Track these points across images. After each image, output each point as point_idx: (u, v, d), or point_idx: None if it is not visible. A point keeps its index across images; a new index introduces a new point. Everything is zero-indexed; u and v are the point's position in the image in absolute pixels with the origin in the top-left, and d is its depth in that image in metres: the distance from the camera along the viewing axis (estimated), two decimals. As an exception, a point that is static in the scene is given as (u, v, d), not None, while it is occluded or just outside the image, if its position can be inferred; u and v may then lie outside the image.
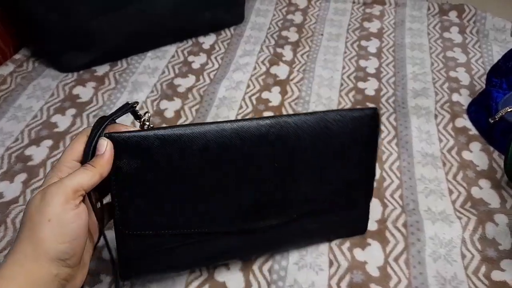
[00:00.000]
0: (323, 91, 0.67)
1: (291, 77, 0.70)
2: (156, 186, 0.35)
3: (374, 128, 0.39)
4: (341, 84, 0.69)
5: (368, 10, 0.86)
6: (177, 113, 0.63)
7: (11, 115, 0.61)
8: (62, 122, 0.61)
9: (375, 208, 0.51)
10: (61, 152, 0.56)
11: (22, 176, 0.54)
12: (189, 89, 0.67)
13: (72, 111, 0.63)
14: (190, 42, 0.77)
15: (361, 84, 0.69)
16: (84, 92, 0.66)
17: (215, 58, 0.74)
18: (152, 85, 0.67)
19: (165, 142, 0.34)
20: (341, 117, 0.38)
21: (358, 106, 0.65)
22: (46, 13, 0.62)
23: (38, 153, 0.57)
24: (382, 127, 0.62)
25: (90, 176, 0.31)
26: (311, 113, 0.37)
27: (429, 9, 0.85)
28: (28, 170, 0.54)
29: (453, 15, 0.83)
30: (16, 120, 0.61)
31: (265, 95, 0.66)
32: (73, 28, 0.64)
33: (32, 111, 0.62)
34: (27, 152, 0.57)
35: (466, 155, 0.58)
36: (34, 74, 0.68)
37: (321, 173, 0.39)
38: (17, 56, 0.70)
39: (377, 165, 0.55)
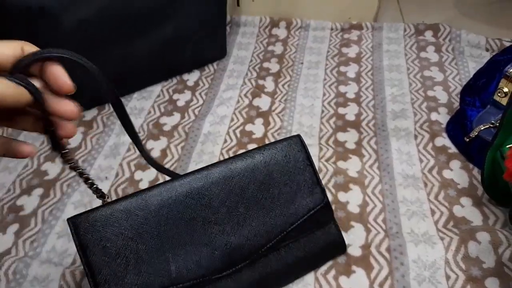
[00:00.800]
0: (304, 119, 0.69)
1: (273, 108, 0.71)
2: (124, 252, 0.37)
3: (304, 150, 0.44)
4: (322, 111, 0.70)
5: (346, 36, 0.88)
6: (163, 152, 0.65)
7: (3, 166, 0.63)
8: (52, 169, 0.63)
9: (358, 233, 0.52)
10: (52, 200, 0.58)
11: (14, 227, 0.55)
12: (175, 127, 0.69)
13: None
14: (175, 80, 0.79)
15: (341, 110, 0.70)
16: (73, 138, 0.68)
17: (199, 94, 0.76)
18: (139, 126, 0.70)
19: (126, 213, 0.38)
20: (267, 156, 0.42)
21: (337, 133, 0.66)
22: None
23: (29, 203, 0.58)
24: (364, 152, 0.63)
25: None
26: (237, 159, 0.42)
27: (405, 30, 0.87)
28: (20, 221, 0.56)
29: (428, 34, 0.86)
30: (8, 171, 0.63)
31: (248, 127, 0.68)
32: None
33: (23, 160, 0.64)
34: (19, 202, 0.58)
35: (446, 174, 0.59)
36: (24, 124, 0.71)
37: (273, 205, 0.42)
38: (8, 108, 0.73)
39: (359, 189, 0.57)
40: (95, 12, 0.64)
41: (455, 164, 0.60)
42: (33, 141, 0.67)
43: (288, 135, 0.66)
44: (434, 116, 0.68)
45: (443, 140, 0.63)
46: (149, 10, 0.69)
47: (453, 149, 0.62)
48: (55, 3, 0.61)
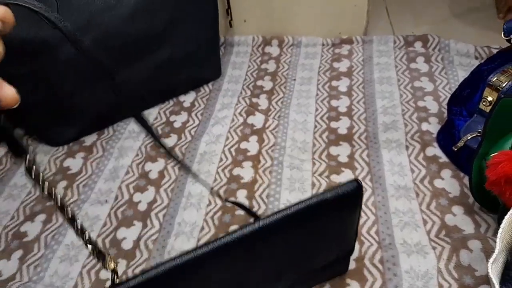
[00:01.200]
0: (297, 135, 0.71)
1: (266, 125, 0.73)
2: None
3: (357, 199, 0.40)
4: (315, 126, 0.72)
5: (337, 51, 0.90)
6: (161, 173, 0.67)
7: (7, 194, 0.66)
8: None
9: (352, 247, 0.53)
10: (55, 225, 0.60)
11: (18, 253, 0.57)
12: (172, 148, 0.71)
13: (63, 183, 0.67)
14: (171, 102, 0.82)
15: (333, 124, 0.72)
16: (74, 164, 0.70)
17: (195, 114, 0.78)
18: (137, 149, 0.72)
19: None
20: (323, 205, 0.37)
21: (332, 150, 0.68)
22: (31, 92, 0.67)
23: (32, 229, 0.60)
24: (356, 164, 0.64)
25: None
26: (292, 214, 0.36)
27: (395, 42, 0.89)
28: (24, 246, 0.58)
29: (418, 45, 0.88)
30: (12, 199, 0.65)
31: (243, 145, 0.70)
32: (58, 104, 0.69)
33: (26, 188, 0.66)
34: (22, 228, 0.60)
35: (438, 183, 0.60)
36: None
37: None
38: (11, 137, 0.76)
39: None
40: (92, 42, 0.66)
41: (446, 173, 0.61)
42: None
43: (282, 152, 0.67)
44: (425, 126, 0.69)
45: (434, 150, 0.64)
46: (144, 37, 0.72)
47: (444, 158, 0.63)
48: (54, 36, 0.64)
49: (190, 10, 0.74)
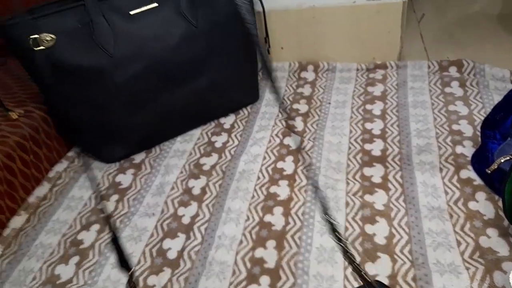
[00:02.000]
0: (332, 156, 0.74)
1: (302, 146, 0.77)
2: None
3: None
4: (349, 148, 0.75)
5: (371, 75, 0.93)
6: (203, 190, 0.71)
7: (66, 206, 0.73)
8: (107, 207, 0.71)
9: (385, 263, 0.55)
10: (107, 235, 0.66)
11: (75, 259, 0.63)
12: (213, 167, 0.76)
13: (115, 197, 0.73)
14: (213, 124, 0.87)
15: (367, 146, 0.75)
16: (125, 179, 0.76)
17: (235, 135, 0.83)
18: (181, 166, 0.77)
19: None
20: None
21: (365, 167, 0.70)
22: (87, 114, 0.75)
23: (88, 237, 0.66)
24: (390, 185, 0.66)
25: None
26: None
27: (429, 67, 0.91)
28: (80, 253, 0.64)
29: (453, 70, 0.89)
30: (70, 210, 0.72)
31: (280, 164, 0.74)
32: (110, 125, 0.76)
33: (82, 200, 0.73)
34: (79, 237, 0.66)
35: (472, 205, 0.61)
36: (83, 168, 0.81)
37: None
38: (69, 154, 0.84)
39: (386, 222, 0.60)
40: (143, 68, 0.73)
41: (481, 195, 0.62)
42: (91, 183, 0.77)
43: (316, 172, 0.70)
44: (459, 149, 0.70)
45: (468, 173, 0.65)
46: (189, 64, 0.78)
47: (478, 181, 0.64)
48: (109, 64, 0.71)
49: (231, 39, 0.81)
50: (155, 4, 0.73)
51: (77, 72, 0.70)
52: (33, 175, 0.76)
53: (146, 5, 0.73)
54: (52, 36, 0.67)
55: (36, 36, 0.66)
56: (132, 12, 0.72)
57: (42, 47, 0.67)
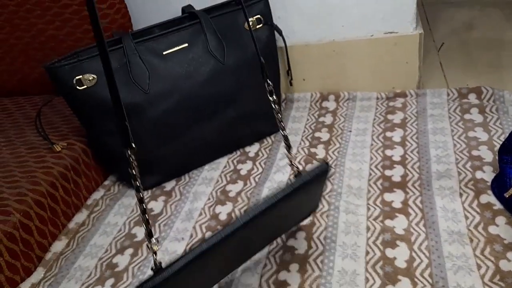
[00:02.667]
0: (353, 182, 0.76)
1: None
2: None
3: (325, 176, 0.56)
4: (370, 174, 0.77)
5: (391, 104, 0.96)
6: (229, 215, 0.75)
7: (102, 231, 0.78)
8: (140, 232, 0.76)
9: (406, 287, 0.56)
10: (140, 258, 0.70)
11: (111, 281, 0.67)
12: (238, 193, 0.80)
13: (147, 222, 0.78)
14: (238, 152, 0.92)
15: (388, 172, 0.77)
16: (156, 206, 0.81)
17: (259, 163, 0.87)
18: (209, 193, 0.82)
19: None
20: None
21: (385, 193, 0.72)
22: (124, 145, 0.81)
23: (122, 261, 0.71)
24: (410, 210, 0.68)
25: None
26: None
27: (448, 94, 0.94)
28: (115, 275, 0.68)
29: (472, 97, 0.91)
30: (106, 235, 0.77)
31: (302, 191, 0.77)
32: (144, 156, 0.82)
33: (117, 226, 0.78)
34: (114, 260, 0.71)
35: (492, 229, 0.61)
36: (119, 195, 0.86)
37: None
38: (106, 182, 0.90)
39: (406, 246, 0.62)
40: (175, 103, 0.80)
41: (501, 220, 0.62)
42: (125, 210, 0.82)
43: (338, 197, 0.73)
44: (479, 174, 0.71)
45: (488, 197, 0.66)
46: (218, 98, 0.84)
47: (498, 205, 0.65)
48: (144, 100, 0.78)
49: (255, 74, 0.86)
50: (186, 44, 0.80)
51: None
52: (73, 203, 0.83)
53: (177, 45, 0.80)
54: (94, 76, 0.75)
55: (79, 76, 0.74)
56: (165, 52, 0.79)
57: (84, 86, 0.74)
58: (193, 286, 0.51)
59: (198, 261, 0.46)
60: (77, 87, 0.74)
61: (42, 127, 0.87)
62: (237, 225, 0.47)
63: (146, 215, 0.46)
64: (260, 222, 0.51)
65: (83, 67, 0.74)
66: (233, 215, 0.75)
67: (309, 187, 0.54)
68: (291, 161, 0.61)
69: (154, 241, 0.47)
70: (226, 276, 0.61)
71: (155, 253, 0.46)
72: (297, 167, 0.58)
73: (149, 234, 0.47)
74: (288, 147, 0.59)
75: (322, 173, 0.54)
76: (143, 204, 0.47)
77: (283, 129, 0.59)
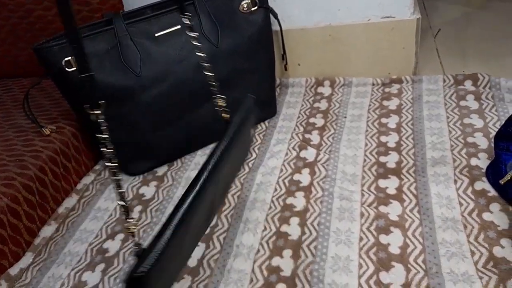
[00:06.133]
0: (347, 168, 0.76)
1: (318, 159, 0.79)
2: None
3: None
4: (364, 160, 0.77)
5: (387, 90, 0.95)
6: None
7: (93, 216, 0.77)
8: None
9: (399, 272, 0.56)
10: (131, 244, 0.69)
11: (101, 266, 0.66)
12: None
13: (138, 207, 0.77)
14: (232, 138, 0.90)
15: (382, 158, 0.76)
16: (148, 191, 0.80)
17: (253, 149, 0.86)
18: (202, 179, 0.80)
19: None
20: None
21: (380, 179, 0.72)
22: (116, 130, 0.79)
23: (113, 246, 0.70)
24: (404, 197, 0.68)
25: None
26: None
27: (444, 81, 0.93)
28: (106, 261, 0.67)
29: (468, 84, 0.90)
30: (96, 220, 0.76)
31: (296, 177, 0.76)
32: (137, 141, 0.81)
33: (108, 211, 0.77)
34: (105, 245, 0.70)
35: (486, 216, 0.61)
36: (109, 180, 0.85)
37: None
38: (96, 167, 0.89)
39: (400, 232, 0.61)
40: (168, 87, 0.78)
41: (495, 206, 0.62)
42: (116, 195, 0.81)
43: (332, 183, 0.72)
44: (474, 161, 0.71)
45: (483, 184, 0.66)
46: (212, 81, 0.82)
47: (493, 192, 0.64)
48: (136, 83, 0.76)
49: (250, 58, 0.84)
50: (178, 26, 0.78)
51: (106, 91, 0.75)
52: (63, 187, 0.81)
53: (170, 27, 0.78)
54: (83, 57, 0.72)
55: (69, 58, 0.72)
56: (157, 34, 0.77)
57: (74, 68, 0.72)
58: (180, 259, 0.50)
59: (178, 231, 0.44)
60: (66, 68, 0.72)
61: (30, 110, 0.84)
62: (201, 181, 0.47)
63: (121, 189, 0.44)
64: (217, 174, 0.50)
65: (72, 48, 0.72)
66: (226, 201, 0.74)
67: (244, 125, 0.57)
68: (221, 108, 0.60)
69: (133, 221, 0.44)
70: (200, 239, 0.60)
71: (132, 234, 0.44)
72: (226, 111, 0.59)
73: (126, 213, 0.44)
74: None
75: (250, 106, 0.56)
76: (115, 176, 0.45)
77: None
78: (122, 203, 0.44)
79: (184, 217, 0.44)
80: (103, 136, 0.43)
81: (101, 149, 0.43)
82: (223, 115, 0.59)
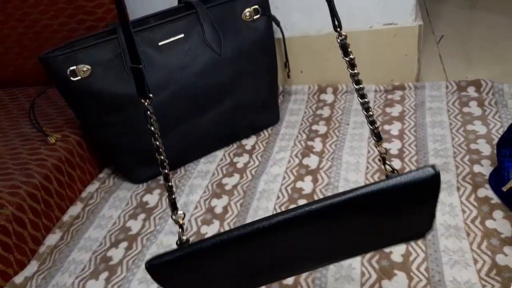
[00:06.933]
0: (350, 175, 0.76)
1: (321, 166, 0.79)
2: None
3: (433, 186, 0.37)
4: (367, 167, 0.77)
5: (389, 96, 0.95)
6: (225, 209, 0.75)
7: (97, 224, 0.77)
8: (135, 226, 0.75)
9: (401, 281, 0.56)
10: (135, 252, 0.69)
11: (105, 274, 0.67)
12: (234, 187, 0.79)
13: (142, 215, 0.77)
14: (235, 145, 0.91)
15: (385, 166, 0.76)
16: (152, 199, 0.81)
17: (256, 156, 0.86)
18: (205, 186, 0.81)
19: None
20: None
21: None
22: (119, 137, 0.80)
23: (116, 254, 0.70)
24: (407, 204, 0.67)
25: None
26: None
27: (447, 87, 0.93)
28: (109, 269, 0.68)
29: (471, 90, 0.90)
30: (100, 228, 0.76)
31: (298, 184, 0.76)
32: (140, 149, 0.81)
33: (112, 219, 0.78)
34: (109, 253, 0.71)
35: (489, 223, 0.61)
36: (114, 188, 0.86)
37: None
38: (101, 175, 0.89)
39: (402, 240, 0.61)
40: (171, 95, 0.79)
41: (498, 214, 0.62)
42: (120, 203, 0.81)
43: (335, 191, 0.73)
44: (477, 168, 0.71)
45: (486, 191, 0.66)
46: (213, 89, 0.83)
47: (496, 199, 0.64)
48: (139, 90, 0.77)
49: (252, 65, 0.85)
50: (182, 35, 0.79)
51: (110, 99, 0.76)
52: (67, 195, 0.82)
53: (173, 36, 0.79)
54: (88, 67, 0.73)
55: (74, 67, 0.73)
56: (160, 43, 0.78)
57: (79, 77, 0.73)
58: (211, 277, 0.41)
59: (231, 246, 0.36)
60: (71, 78, 0.73)
61: (36, 119, 0.86)
62: (298, 213, 0.35)
63: (170, 182, 0.44)
64: (329, 221, 0.37)
65: (77, 58, 0.73)
66: (229, 208, 0.74)
67: (407, 193, 0.37)
68: (383, 158, 0.43)
69: (181, 213, 0.43)
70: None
71: (181, 226, 0.42)
72: (391, 166, 0.42)
73: (172, 206, 0.43)
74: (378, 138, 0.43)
75: (429, 178, 0.36)
76: (165, 170, 0.44)
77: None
78: (171, 195, 0.44)
79: (246, 236, 0.35)
80: (151, 128, 0.44)
81: (153, 141, 0.44)
82: (386, 165, 0.43)
